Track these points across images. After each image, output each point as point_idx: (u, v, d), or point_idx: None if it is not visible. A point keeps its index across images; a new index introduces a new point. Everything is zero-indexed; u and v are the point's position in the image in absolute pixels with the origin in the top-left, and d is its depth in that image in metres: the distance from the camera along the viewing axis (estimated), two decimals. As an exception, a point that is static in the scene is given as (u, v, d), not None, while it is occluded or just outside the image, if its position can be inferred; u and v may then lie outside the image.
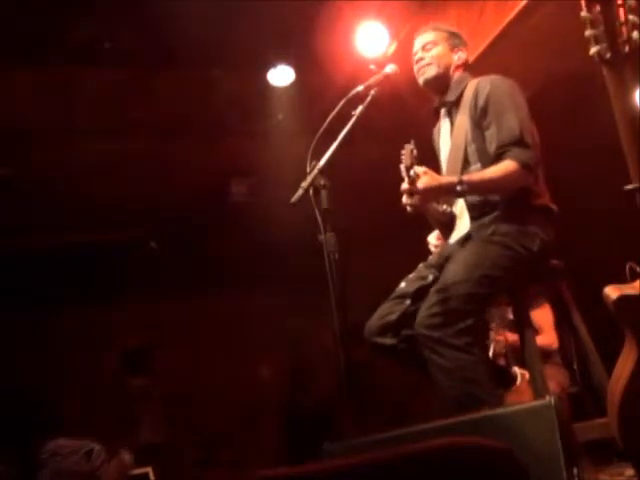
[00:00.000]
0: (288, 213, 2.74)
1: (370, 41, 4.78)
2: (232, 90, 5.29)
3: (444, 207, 2.94)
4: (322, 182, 2.72)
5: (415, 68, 3.03)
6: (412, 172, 2.67)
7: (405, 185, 2.69)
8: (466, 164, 2.86)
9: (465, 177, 2.72)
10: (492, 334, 4.01)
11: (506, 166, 2.71)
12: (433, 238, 3.10)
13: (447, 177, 2.82)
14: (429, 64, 2.99)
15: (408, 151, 2.70)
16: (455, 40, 3.06)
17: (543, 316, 4.15)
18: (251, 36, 4.75)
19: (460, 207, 2.91)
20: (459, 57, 3.03)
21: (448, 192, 2.78)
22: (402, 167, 2.70)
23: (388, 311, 2.85)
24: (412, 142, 2.74)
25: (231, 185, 6.35)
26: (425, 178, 2.68)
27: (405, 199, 2.72)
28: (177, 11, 4.43)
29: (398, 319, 2.81)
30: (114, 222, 6.35)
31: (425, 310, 2.65)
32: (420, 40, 3.06)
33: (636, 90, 1.97)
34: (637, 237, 1.96)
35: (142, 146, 5.61)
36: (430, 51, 3.01)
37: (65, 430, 3.42)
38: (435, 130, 3.15)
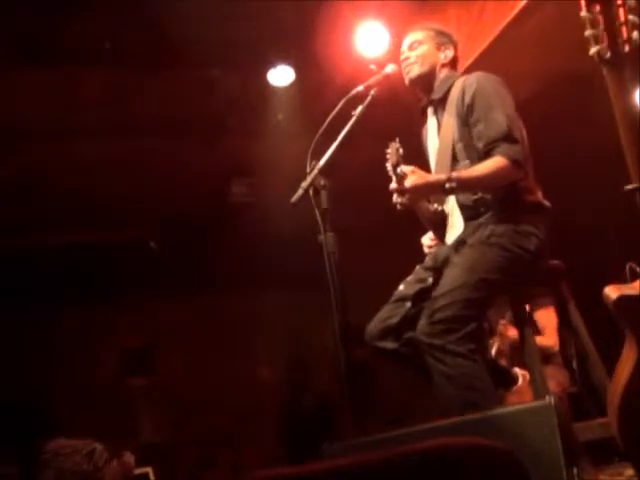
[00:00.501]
0: (288, 213, 2.73)
1: (370, 41, 4.78)
2: (232, 90, 5.28)
3: (435, 206, 2.94)
4: (322, 182, 2.72)
5: (402, 67, 3.04)
6: (399, 170, 2.67)
7: (393, 184, 2.69)
8: (454, 162, 2.85)
9: (454, 174, 2.71)
10: (500, 328, 4.00)
11: (495, 162, 2.71)
12: (427, 239, 3.09)
13: (435, 175, 2.81)
14: (414, 63, 3.01)
15: (393, 149, 2.70)
16: (442, 39, 3.06)
17: (547, 317, 4.15)
18: (251, 36, 4.75)
19: (451, 205, 2.91)
20: (445, 55, 3.03)
21: (437, 190, 2.76)
22: (388, 166, 2.70)
23: (389, 314, 2.85)
24: (397, 140, 2.74)
25: (231, 185, 6.35)
26: (412, 177, 2.68)
27: (395, 198, 2.72)
28: (177, 11, 4.43)
29: (399, 322, 2.81)
30: (114, 222, 6.35)
31: (426, 318, 2.65)
32: (407, 39, 3.08)
33: (636, 90, 1.97)
34: (637, 237, 1.96)
35: (142, 146, 5.61)
36: (415, 50, 3.03)
37: (65, 430, 3.41)
38: (423, 129, 3.15)
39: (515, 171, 2.72)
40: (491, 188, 2.78)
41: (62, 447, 3.20)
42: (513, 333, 3.89)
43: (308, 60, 5.02)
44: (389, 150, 2.71)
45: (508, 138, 2.73)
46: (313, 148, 2.78)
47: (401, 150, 2.70)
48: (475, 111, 2.82)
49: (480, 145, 2.78)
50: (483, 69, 2.99)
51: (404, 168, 2.68)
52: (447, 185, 2.67)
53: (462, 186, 2.72)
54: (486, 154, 2.75)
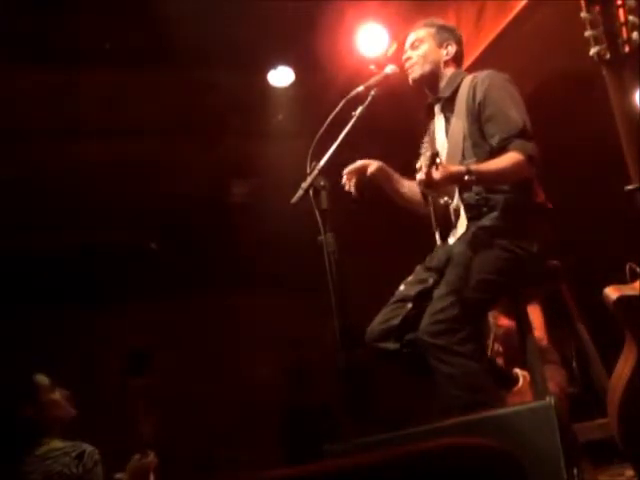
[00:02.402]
0: (288, 213, 2.74)
1: (370, 42, 4.78)
2: (232, 91, 5.28)
3: (445, 199, 2.92)
4: (322, 183, 2.73)
5: (405, 67, 3.04)
6: (438, 160, 2.63)
7: (422, 175, 2.65)
8: (462, 160, 2.84)
9: (473, 167, 2.68)
10: (491, 319, 4.00)
11: (511, 157, 2.70)
12: (350, 168, 3.00)
13: (456, 166, 2.76)
14: (415, 63, 3.01)
15: (431, 139, 2.67)
16: (444, 34, 3.05)
17: (533, 313, 4.14)
18: (251, 37, 4.75)
19: (456, 203, 2.91)
20: (448, 52, 3.02)
21: (456, 181, 2.73)
22: (427, 155, 2.65)
23: (390, 315, 2.84)
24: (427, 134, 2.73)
25: (231, 185, 6.35)
26: (439, 168, 2.66)
27: (423, 189, 2.71)
28: (177, 11, 4.43)
29: (400, 323, 2.80)
30: (114, 222, 6.35)
31: (428, 318, 2.64)
32: (409, 38, 3.08)
33: (636, 90, 1.97)
34: (637, 237, 1.96)
35: (142, 146, 5.61)
36: (417, 49, 3.03)
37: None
38: (429, 127, 3.13)
39: (530, 167, 2.72)
40: (506, 182, 2.77)
41: (51, 450, 3.20)
42: (504, 322, 3.88)
43: (308, 61, 5.02)
44: (426, 139, 2.69)
45: (523, 134, 2.73)
46: (313, 149, 2.78)
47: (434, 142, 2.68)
48: (487, 108, 2.81)
49: (494, 141, 2.77)
50: (483, 69, 2.99)
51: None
52: (466, 177, 2.64)
53: (480, 179, 2.69)
54: (500, 150, 2.74)
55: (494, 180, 2.76)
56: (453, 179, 2.71)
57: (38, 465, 3.16)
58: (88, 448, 3.21)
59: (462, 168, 2.69)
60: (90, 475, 3.14)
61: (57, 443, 3.25)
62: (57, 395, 3.37)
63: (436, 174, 2.61)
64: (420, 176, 2.64)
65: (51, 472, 3.13)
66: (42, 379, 3.39)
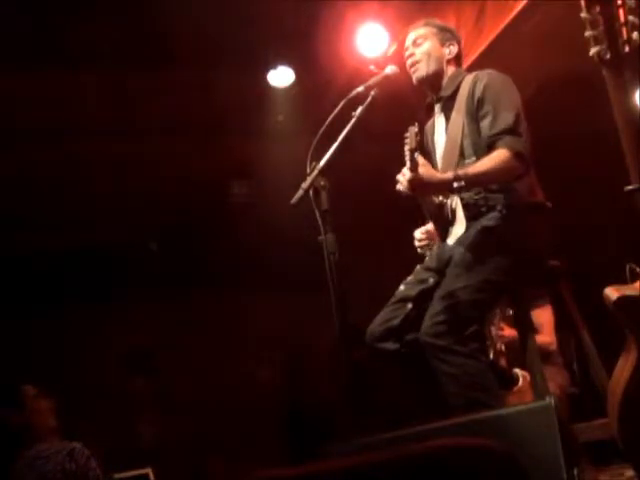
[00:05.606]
0: (288, 214, 2.74)
1: (370, 42, 4.78)
2: (232, 91, 5.28)
3: (440, 198, 2.92)
4: (322, 183, 2.72)
5: (407, 64, 3.04)
6: (416, 156, 2.63)
7: (406, 170, 2.66)
8: (461, 158, 2.85)
9: (460, 172, 2.68)
10: (493, 329, 4.00)
11: (498, 154, 2.70)
12: (419, 233, 3.07)
13: (443, 174, 2.76)
14: (419, 61, 3.00)
15: (412, 134, 2.65)
16: (445, 34, 3.05)
17: (544, 315, 4.14)
18: (251, 37, 4.76)
19: (455, 202, 2.91)
20: (450, 51, 3.03)
21: (444, 188, 2.74)
22: (406, 149, 2.66)
23: (390, 316, 2.84)
24: (416, 125, 2.72)
25: (231, 185, 6.36)
26: (422, 170, 2.65)
27: (398, 186, 2.71)
28: (177, 11, 4.43)
29: (401, 323, 2.80)
30: (114, 222, 6.35)
31: (430, 318, 2.64)
32: (411, 35, 3.07)
33: (636, 91, 1.97)
34: (637, 237, 1.96)
35: (142, 146, 5.61)
36: (420, 46, 3.02)
37: (65, 430, 3.42)
38: (428, 126, 3.13)
39: (518, 164, 2.71)
40: (497, 181, 2.76)
41: (41, 451, 3.21)
42: (509, 332, 3.88)
43: (308, 61, 5.02)
44: (407, 134, 2.68)
45: (512, 132, 2.73)
46: (313, 149, 2.78)
47: (419, 136, 2.67)
48: (484, 105, 2.82)
49: (485, 138, 2.78)
50: (483, 69, 2.99)
51: (419, 159, 2.66)
52: (455, 184, 2.65)
53: (470, 183, 2.70)
54: (490, 146, 2.75)
55: (484, 181, 2.76)
56: (440, 187, 2.72)
57: (29, 467, 3.17)
58: (77, 445, 3.23)
59: (450, 175, 2.68)
60: (84, 470, 3.16)
61: (45, 445, 3.27)
62: (42, 404, 3.42)
63: (421, 169, 2.61)
64: (399, 177, 2.65)
65: (44, 471, 3.14)
66: (28, 388, 3.46)
